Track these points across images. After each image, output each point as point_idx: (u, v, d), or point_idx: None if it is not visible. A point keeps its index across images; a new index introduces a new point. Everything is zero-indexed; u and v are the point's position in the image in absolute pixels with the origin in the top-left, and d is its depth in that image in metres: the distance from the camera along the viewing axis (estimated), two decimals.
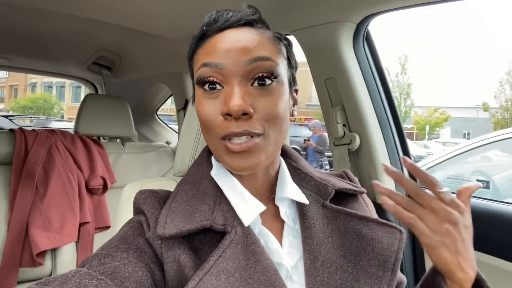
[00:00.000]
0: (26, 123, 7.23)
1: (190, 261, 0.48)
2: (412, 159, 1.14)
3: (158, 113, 2.58)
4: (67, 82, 26.59)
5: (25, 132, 1.45)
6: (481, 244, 0.83)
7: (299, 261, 0.53)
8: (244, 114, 0.47)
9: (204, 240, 0.51)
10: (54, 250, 1.34)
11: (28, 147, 1.42)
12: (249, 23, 0.52)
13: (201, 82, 0.50)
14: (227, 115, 0.47)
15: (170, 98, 2.53)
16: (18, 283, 1.26)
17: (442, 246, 0.48)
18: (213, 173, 0.56)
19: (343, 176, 0.66)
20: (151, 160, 1.78)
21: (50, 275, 1.32)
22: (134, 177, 1.66)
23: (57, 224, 1.32)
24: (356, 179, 0.66)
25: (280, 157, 0.60)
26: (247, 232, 0.51)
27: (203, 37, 0.53)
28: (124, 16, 1.26)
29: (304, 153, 6.27)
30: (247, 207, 0.52)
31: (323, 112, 1.20)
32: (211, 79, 0.49)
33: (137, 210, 0.55)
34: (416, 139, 19.83)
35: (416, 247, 1.02)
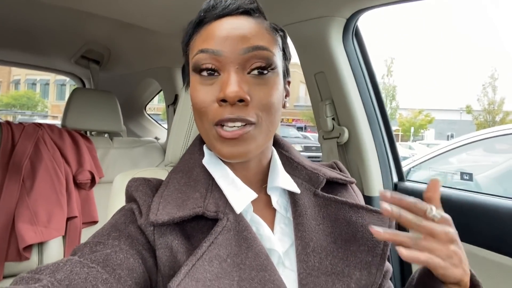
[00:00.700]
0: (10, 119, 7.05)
1: (183, 247, 0.49)
2: (399, 155, 1.18)
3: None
4: (52, 79, 26.08)
5: (11, 125, 1.42)
6: (463, 234, 0.86)
7: (290, 248, 0.54)
8: (240, 101, 0.47)
9: (196, 227, 0.51)
10: (40, 245, 1.32)
11: (14, 140, 1.39)
12: (247, 12, 0.52)
13: (198, 69, 0.50)
14: (223, 101, 0.48)
15: (157, 97, 2.52)
16: (4, 277, 1.24)
17: (452, 267, 0.47)
18: (205, 161, 0.57)
19: (333, 166, 0.67)
20: (140, 155, 1.77)
21: None
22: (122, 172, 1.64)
23: (44, 218, 1.31)
24: (346, 169, 0.68)
25: (272, 147, 0.61)
26: (239, 219, 0.51)
27: (200, 23, 0.53)
28: (115, 9, 1.25)
29: None
30: (239, 194, 0.52)
31: (313, 106, 1.22)
32: (208, 65, 0.49)
33: (129, 198, 0.55)
34: (401, 141, 20.11)
35: None
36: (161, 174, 0.76)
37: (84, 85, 2.47)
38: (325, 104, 1.14)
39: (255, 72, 0.49)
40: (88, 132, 1.91)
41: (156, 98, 2.51)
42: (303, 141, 10.70)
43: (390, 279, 0.62)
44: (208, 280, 0.45)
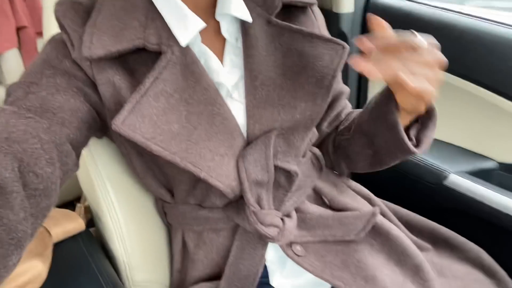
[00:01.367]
0: None
1: (126, 82, 0.47)
2: None
3: None
4: None
5: None
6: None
7: (239, 80, 0.53)
8: None
9: (138, 60, 0.48)
10: None
11: None
12: None
13: None
14: None
15: None
16: None
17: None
18: None
19: None
20: None
21: None
22: None
23: None
24: None
25: None
26: (186, 51, 0.48)
27: None
28: None
29: None
30: (184, 24, 0.47)
31: None
32: None
33: (60, 25, 0.48)
34: None
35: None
36: None
37: None
38: None
39: None
40: None
41: None
42: None
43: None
44: (154, 116, 0.45)
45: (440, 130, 0.94)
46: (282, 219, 0.55)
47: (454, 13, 0.91)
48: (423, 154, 0.86)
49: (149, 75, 0.45)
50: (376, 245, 0.60)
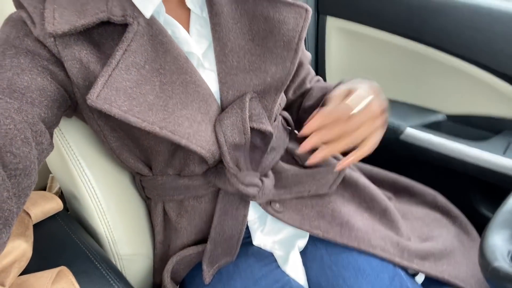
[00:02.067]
0: None
1: (93, 56, 0.46)
2: None
3: None
4: None
5: None
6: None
7: (208, 49, 0.54)
8: None
9: (104, 34, 0.47)
10: None
11: None
12: None
13: None
14: None
15: None
16: None
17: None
18: None
19: None
20: None
21: None
22: None
23: None
24: None
25: None
26: (151, 22, 0.48)
27: None
28: None
29: None
30: None
31: None
32: None
33: (18, 4, 0.46)
34: None
35: (319, 28, 1.09)
36: None
37: None
38: None
39: None
40: None
41: None
42: None
43: None
44: (128, 88, 0.45)
45: (394, 91, 1.02)
46: (260, 179, 0.57)
47: None
48: None
49: (118, 48, 0.45)
50: (347, 196, 0.65)
